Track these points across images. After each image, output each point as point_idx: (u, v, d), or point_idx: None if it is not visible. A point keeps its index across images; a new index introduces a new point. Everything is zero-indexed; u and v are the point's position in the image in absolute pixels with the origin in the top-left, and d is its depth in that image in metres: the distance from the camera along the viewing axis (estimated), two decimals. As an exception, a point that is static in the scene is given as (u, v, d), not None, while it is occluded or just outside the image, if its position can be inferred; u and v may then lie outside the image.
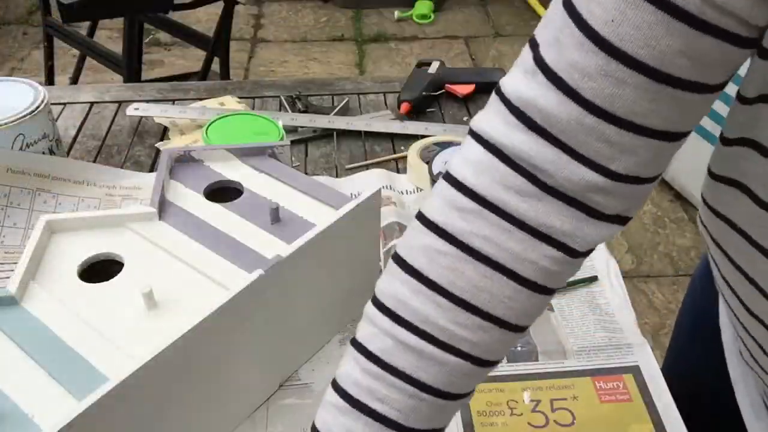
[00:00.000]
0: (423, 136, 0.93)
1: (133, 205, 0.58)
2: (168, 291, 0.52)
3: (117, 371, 0.43)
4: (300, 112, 0.99)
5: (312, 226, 0.56)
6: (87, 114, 1.00)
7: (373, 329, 0.40)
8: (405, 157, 0.88)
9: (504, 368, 0.62)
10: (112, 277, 0.53)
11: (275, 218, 0.59)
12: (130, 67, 1.83)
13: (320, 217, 0.59)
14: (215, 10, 1.96)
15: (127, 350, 0.47)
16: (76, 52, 2.18)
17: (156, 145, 0.92)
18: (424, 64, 1.09)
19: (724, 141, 0.45)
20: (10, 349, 0.46)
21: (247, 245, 0.57)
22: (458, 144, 0.89)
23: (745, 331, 0.51)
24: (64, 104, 1.02)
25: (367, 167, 0.89)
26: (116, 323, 0.49)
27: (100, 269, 0.54)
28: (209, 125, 0.80)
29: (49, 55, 2.08)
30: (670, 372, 0.64)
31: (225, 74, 2.03)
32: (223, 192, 0.64)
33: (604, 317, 0.67)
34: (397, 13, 3.36)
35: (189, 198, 0.61)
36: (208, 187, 0.63)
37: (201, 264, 0.54)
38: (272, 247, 0.56)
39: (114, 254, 0.55)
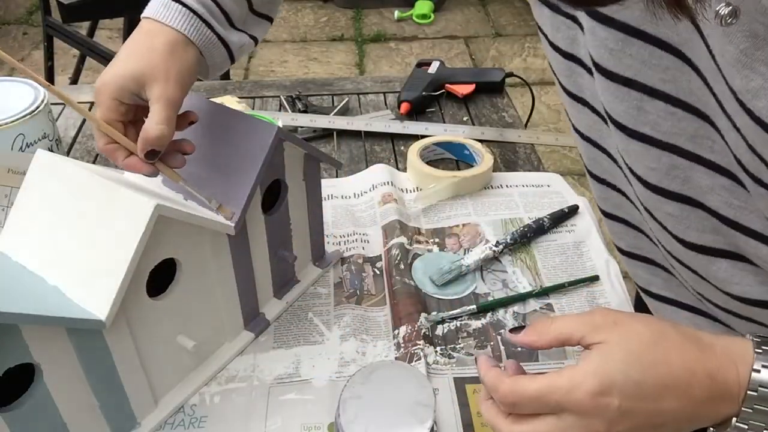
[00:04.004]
0: (423, 136, 0.93)
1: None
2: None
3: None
4: (300, 112, 0.99)
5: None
6: (87, 114, 1.00)
7: None
8: (405, 156, 0.88)
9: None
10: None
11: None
12: (130, 67, 1.83)
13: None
14: (215, 10, 1.95)
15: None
16: (76, 52, 2.18)
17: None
18: (424, 64, 1.09)
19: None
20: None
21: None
22: (458, 144, 0.89)
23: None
24: (64, 104, 1.02)
25: (366, 165, 0.89)
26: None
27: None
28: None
29: (49, 55, 2.08)
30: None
31: (225, 74, 2.03)
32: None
33: (604, 317, 0.67)
34: (397, 13, 3.36)
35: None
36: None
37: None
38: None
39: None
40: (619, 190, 0.57)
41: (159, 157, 0.52)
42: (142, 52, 0.52)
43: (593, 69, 0.48)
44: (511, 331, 0.47)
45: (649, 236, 0.57)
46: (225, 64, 0.60)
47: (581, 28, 0.49)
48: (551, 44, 0.54)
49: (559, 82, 0.56)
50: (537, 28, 0.57)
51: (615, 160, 0.54)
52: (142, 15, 0.55)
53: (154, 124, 0.50)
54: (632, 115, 0.47)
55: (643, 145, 0.48)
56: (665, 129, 0.46)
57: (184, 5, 0.54)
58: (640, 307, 0.71)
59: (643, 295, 0.64)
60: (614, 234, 0.62)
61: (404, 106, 1.00)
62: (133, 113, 0.54)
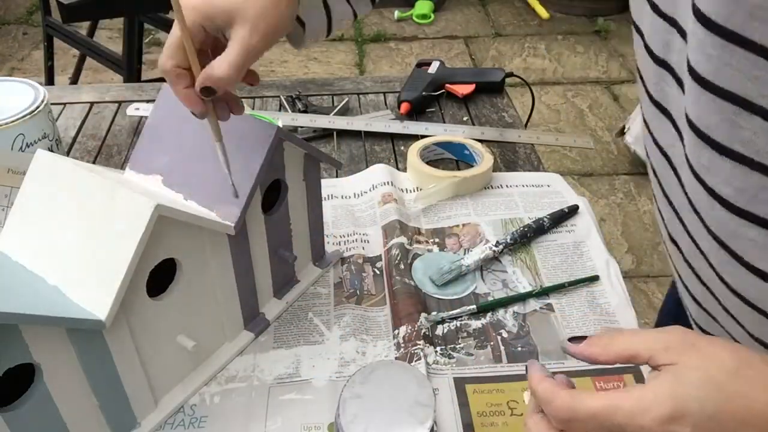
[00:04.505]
0: (423, 136, 0.93)
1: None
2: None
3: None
4: (300, 112, 0.99)
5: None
6: (87, 114, 1.00)
7: None
8: (405, 156, 0.88)
9: (504, 368, 0.62)
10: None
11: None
12: (130, 67, 1.83)
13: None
14: (215, 10, 1.95)
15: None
16: (76, 52, 2.18)
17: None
18: (424, 64, 1.09)
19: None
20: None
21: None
22: (458, 144, 0.89)
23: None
24: (64, 104, 1.02)
25: (366, 165, 0.89)
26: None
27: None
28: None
29: (49, 55, 2.08)
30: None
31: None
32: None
33: (604, 317, 0.67)
34: (397, 13, 3.36)
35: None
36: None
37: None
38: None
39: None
40: (679, 218, 0.52)
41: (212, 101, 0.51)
42: None
43: (688, 75, 0.44)
44: (570, 340, 0.43)
45: (700, 276, 0.52)
46: (320, 34, 0.57)
47: (679, 32, 0.44)
48: (646, 47, 0.49)
49: (646, 89, 0.52)
50: (632, 26, 0.52)
51: (682, 184, 0.49)
52: None
53: (224, 65, 0.48)
54: (724, 130, 0.43)
55: (732, 162, 0.44)
56: (759, 148, 0.42)
57: None
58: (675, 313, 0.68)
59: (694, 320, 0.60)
60: (673, 259, 0.57)
61: (404, 106, 1.00)
62: (204, 43, 0.52)
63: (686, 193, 0.49)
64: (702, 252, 0.51)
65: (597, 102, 2.75)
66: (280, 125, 0.83)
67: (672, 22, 0.45)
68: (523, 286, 0.71)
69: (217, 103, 0.52)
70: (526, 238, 0.76)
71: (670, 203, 0.53)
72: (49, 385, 0.47)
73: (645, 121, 0.54)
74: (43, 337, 0.45)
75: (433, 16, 3.37)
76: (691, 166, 0.47)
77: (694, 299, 0.57)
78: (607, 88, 2.85)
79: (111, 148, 0.93)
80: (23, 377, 0.46)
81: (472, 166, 0.88)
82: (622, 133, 2.34)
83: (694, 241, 0.51)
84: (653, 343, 0.39)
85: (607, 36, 3.24)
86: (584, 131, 2.55)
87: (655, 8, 0.46)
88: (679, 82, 0.46)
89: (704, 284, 0.53)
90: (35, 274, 0.49)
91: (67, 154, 0.90)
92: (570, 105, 2.73)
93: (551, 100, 2.76)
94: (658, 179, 0.55)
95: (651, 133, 0.53)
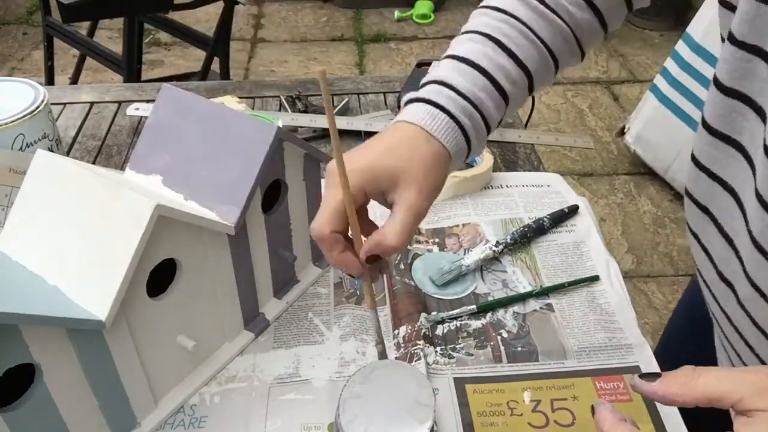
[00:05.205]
0: (423, 136, 0.93)
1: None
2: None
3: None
4: (300, 112, 0.99)
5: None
6: (87, 114, 1.00)
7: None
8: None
9: (504, 368, 0.62)
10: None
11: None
12: (130, 67, 1.83)
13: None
14: (215, 10, 1.96)
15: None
16: (76, 52, 2.18)
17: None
18: (424, 64, 1.09)
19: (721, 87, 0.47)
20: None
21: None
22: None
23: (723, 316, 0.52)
24: (64, 104, 1.02)
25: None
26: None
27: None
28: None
29: (49, 55, 2.08)
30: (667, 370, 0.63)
31: (225, 74, 2.03)
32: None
33: (604, 317, 0.67)
34: (397, 13, 3.36)
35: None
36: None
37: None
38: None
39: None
40: (738, 257, 0.50)
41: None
42: (405, 152, 0.48)
43: None
44: (641, 377, 0.39)
45: (757, 321, 0.50)
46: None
47: (765, 61, 0.42)
48: (715, 78, 0.47)
49: (703, 120, 0.49)
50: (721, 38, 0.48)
51: (747, 220, 0.47)
52: (399, 118, 0.52)
53: (395, 233, 0.46)
54: None
55: None
56: None
57: (454, 119, 0.51)
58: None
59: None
60: (720, 301, 0.55)
61: (404, 106, 1.00)
62: (362, 207, 0.50)
63: (750, 231, 0.46)
64: (764, 296, 0.48)
65: (597, 102, 2.75)
66: (280, 125, 0.83)
67: (755, 50, 0.43)
68: (523, 286, 0.71)
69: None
70: (526, 238, 0.76)
71: (730, 241, 0.50)
72: (49, 385, 0.47)
73: (693, 152, 0.51)
74: (43, 337, 0.45)
75: (433, 16, 3.37)
76: (761, 202, 0.44)
77: (747, 343, 0.53)
78: (607, 88, 2.85)
79: (111, 148, 0.93)
80: (23, 377, 0.46)
81: (472, 166, 0.88)
82: (622, 133, 2.34)
83: (754, 284, 0.48)
84: (744, 386, 0.35)
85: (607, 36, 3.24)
86: (584, 131, 2.55)
87: (731, 38, 0.44)
88: (759, 112, 0.43)
89: (761, 330, 0.50)
90: (35, 274, 0.49)
91: (67, 154, 0.90)
92: (570, 105, 2.73)
93: (551, 100, 2.75)
94: (711, 215, 0.51)
95: (704, 166, 0.50)
